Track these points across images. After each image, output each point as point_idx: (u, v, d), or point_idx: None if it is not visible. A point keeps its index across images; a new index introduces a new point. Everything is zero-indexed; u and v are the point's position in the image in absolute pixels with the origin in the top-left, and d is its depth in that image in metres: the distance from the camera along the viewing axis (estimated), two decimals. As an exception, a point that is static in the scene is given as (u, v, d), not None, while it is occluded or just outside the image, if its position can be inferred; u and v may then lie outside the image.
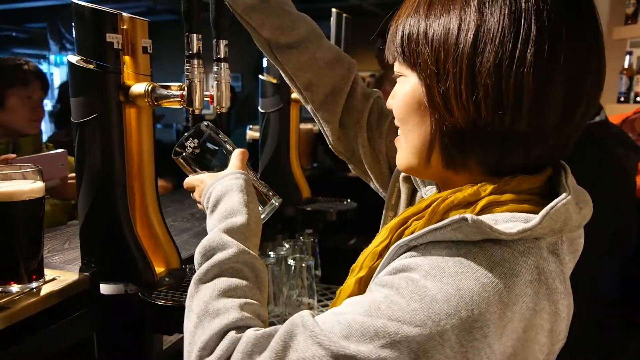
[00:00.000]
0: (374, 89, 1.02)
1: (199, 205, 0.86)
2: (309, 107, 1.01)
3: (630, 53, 2.79)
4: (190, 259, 1.18)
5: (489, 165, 0.63)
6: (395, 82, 0.70)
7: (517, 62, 0.56)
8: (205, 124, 0.90)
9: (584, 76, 0.59)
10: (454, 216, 0.57)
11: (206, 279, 0.68)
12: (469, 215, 0.56)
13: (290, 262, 1.38)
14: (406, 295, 0.54)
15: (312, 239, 1.65)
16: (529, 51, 0.55)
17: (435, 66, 0.60)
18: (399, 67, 0.67)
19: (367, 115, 0.97)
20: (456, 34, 0.58)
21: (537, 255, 0.57)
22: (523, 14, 0.56)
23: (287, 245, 1.55)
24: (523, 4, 0.56)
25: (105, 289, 1.01)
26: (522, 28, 0.56)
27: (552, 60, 0.56)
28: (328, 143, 1.03)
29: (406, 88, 0.65)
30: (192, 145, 0.88)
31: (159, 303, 0.96)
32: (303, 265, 1.36)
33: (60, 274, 1.00)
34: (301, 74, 0.97)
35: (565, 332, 0.61)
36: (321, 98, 0.98)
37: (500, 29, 0.56)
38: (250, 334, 0.59)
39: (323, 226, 1.88)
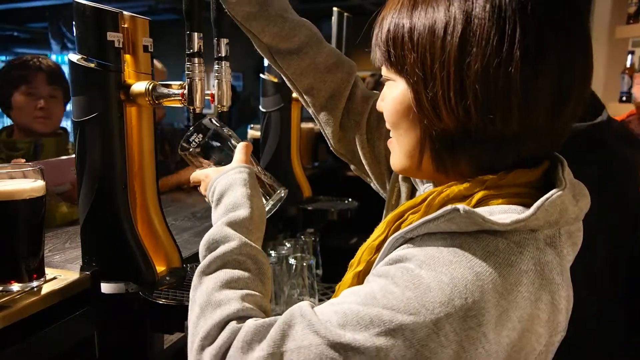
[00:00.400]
0: (374, 91, 1.02)
1: (206, 199, 0.87)
2: (310, 110, 1.02)
3: (632, 52, 2.78)
4: (191, 258, 1.19)
5: (480, 167, 0.63)
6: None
7: (504, 63, 0.55)
8: (209, 118, 0.91)
9: (571, 73, 0.59)
10: (447, 207, 0.57)
11: (209, 270, 0.69)
12: (460, 206, 0.56)
13: (292, 261, 1.38)
14: (401, 284, 0.55)
15: (313, 238, 1.65)
16: (515, 52, 0.55)
17: (422, 71, 0.60)
18: (386, 72, 0.67)
19: (366, 117, 0.98)
20: (442, 37, 0.58)
21: (533, 247, 0.57)
22: (508, 13, 0.56)
23: (288, 245, 1.55)
24: (507, 3, 0.56)
25: (106, 287, 1.01)
26: (507, 27, 0.55)
27: (538, 59, 0.56)
28: (329, 145, 1.04)
29: (395, 93, 0.65)
30: (197, 140, 0.89)
31: (160, 302, 0.96)
32: (304, 264, 1.36)
33: (61, 272, 1.00)
34: (302, 79, 0.98)
35: (565, 324, 0.61)
36: (322, 102, 0.99)
37: (485, 30, 0.56)
38: (250, 323, 0.61)
39: (324, 225, 1.88)
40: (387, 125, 0.69)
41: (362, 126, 0.98)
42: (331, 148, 1.04)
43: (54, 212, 1.50)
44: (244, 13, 0.92)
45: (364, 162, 0.99)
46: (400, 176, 0.90)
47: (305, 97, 1.00)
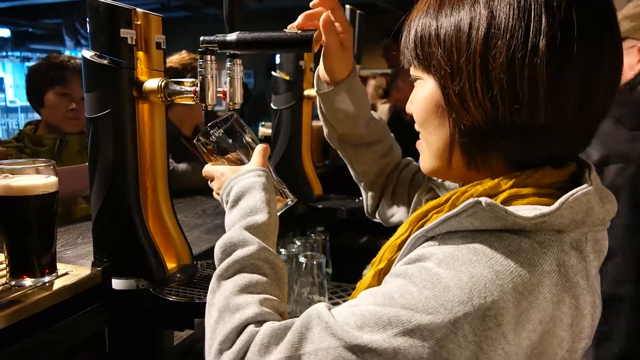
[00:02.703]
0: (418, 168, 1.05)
1: (215, 195, 0.87)
2: (360, 185, 1.07)
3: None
4: (202, 255, 1.19)
5: (511, 162, 0.63)
6: (408, 78, 0.71)
7: (530, 55, 0.56)
8: (231, 113, 0.90)
9: (599, 64, 0.58)
10: (468, 200, 0.56)
11: (227, 274, 0.70)
12: (482, 199, 0.56)
13: (302, 259, 1.37)
14: (419, 283, 0.55)
15: (323, 237, 1.64)
16: (541, 42, 0.55)
17: (449, 66, 0.61)
18: (414, 71, 0.68)
19: (408, 188, 1.01)
20: (467, 32, 0.59)
21: (557, 248, 0.57)
22: (532, 6, 0.56)
23: (298, 243, 1.55)
24: None
25: (116, 284, 1.01)
26: (532, 20, 0.56)
27: (565, 50, 0.56)
28: (365, 211, 1.09)
29: (424, 92, 0.66)
30: (216, 134, 0.89)
31: (170, 299, 0.96)
32: (314, 262, 1.36)
33: (72, 268, 1.01)
34: (364, 167, 1.03)
35: (589, 331, 0.60)
36: (375, 182, 1.04)
37: (510, 23, 0.56)
38: (267, 326, 0.61)
39: (334, 224, 1.87)
40: (417, 126, 0.70)
41: (404, 199, 1.01)
42: (366, 214, 1.09)
43: (74, 208, 1.53)
44: (334, 110, 0.96)
45: (400, 219, 1.02)
46: (424, 196, 0.92)
47: (360, 177, 1.05)
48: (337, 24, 0.88)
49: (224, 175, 0.85)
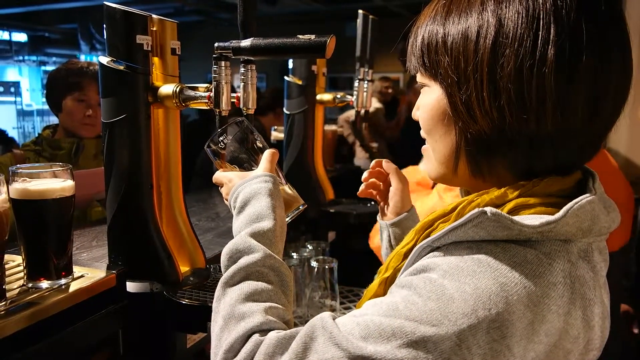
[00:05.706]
0: None
1: (225, 201, 0.88)
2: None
3: (665, 55, 2.70)
4: (215, 259, 1.19)
5: (517, 171, 0.62)
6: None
7: (538, 64, 0.55)
8: (241, 119, 0.90)
9: (607, 72, 0.57)
10: (473, 210, 0.56)
11: (233, 282, 0.69)
12: (488, 209, 0.55)
13: (313, 264, 1.38)
14: (424, 294, 0.54)
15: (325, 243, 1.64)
16: (549, 52, 0.55)
17: (455, 74, 0.60)
18: (421, 78, 0.68)
19: None
20: (475, 40, 0.58)
21: (564, 259, 0.56)
22: (541, 15, 0.55)
23: (310, 247, 1.55)
24: (540, 6, 0.56)
25: (131, 286, 1.02)
26: (541, 30, 0.55)
27: (573, 60, 0.55)
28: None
29: (430, 99, 0.66)
30: (225, 140, 0.89)
31: (184, 302, 0.97)
32: (326, 267, 1.36)
33: (88, 271, 1.02)
34: None
35: (598, 342, 0.59)
36: None
37: (519, 32, 0.56)
38: (272, 335, 0.61)
39: (345, 228, 1.87)
40: (423, 133, 0.69)
41: None
42: None
43: (89, 211, 1.55)
44: None
45: None
46: None
47: None
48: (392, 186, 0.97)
49: (231, 182, 0.85)
